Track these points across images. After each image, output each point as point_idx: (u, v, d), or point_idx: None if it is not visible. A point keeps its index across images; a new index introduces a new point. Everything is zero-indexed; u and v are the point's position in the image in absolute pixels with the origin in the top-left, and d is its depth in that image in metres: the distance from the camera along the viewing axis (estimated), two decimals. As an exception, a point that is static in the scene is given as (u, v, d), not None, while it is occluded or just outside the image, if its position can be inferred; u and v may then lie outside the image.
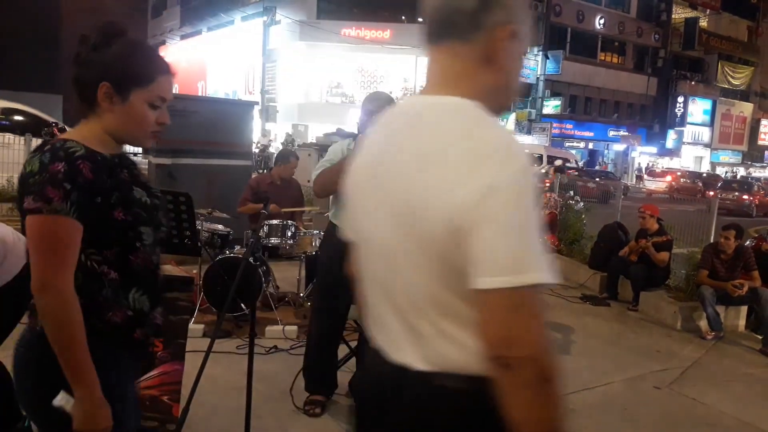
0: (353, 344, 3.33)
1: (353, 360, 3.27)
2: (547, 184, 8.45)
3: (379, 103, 2.89)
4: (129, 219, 1.29)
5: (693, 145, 35.64)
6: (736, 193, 19.57)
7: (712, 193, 18.41)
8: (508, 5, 0.97)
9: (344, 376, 3.19)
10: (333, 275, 2.97)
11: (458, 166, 0.88)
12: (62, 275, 1.20)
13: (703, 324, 5.00)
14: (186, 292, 2.29)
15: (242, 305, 4.13)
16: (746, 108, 38.08)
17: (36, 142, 8.75)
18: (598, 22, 30.51)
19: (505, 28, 0.96)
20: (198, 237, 2.41)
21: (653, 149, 33.52)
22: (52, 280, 1.20)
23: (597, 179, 18.21)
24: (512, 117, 27.82)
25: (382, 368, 1.04)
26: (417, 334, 0.98)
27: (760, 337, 4.88)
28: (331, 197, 3.00)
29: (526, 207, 0.86)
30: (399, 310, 1.00)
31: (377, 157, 1.02)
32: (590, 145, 32.45)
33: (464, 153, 0.89)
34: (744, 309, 5.27)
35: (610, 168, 28.72)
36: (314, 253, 4.46)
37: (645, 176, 27.20)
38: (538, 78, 28.64)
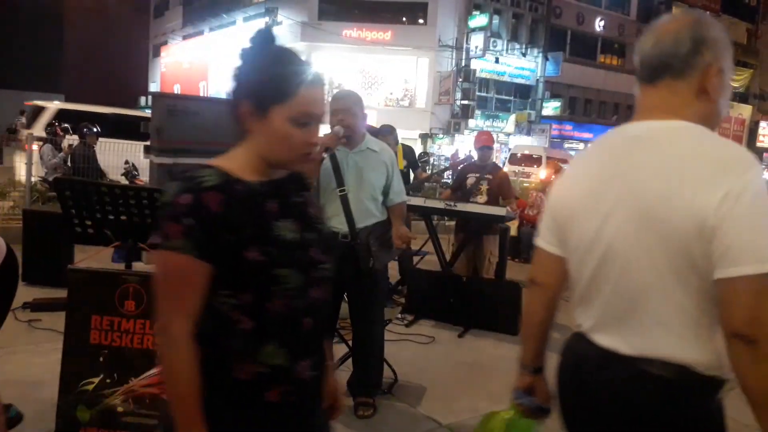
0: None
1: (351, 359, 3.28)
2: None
3: (345, 102, 2.88)
4: (263, 260, 1.10)
5: (693, 147, 35.65)
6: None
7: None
8: (715, 47, 1.16)
9: (343, 375, 3.21)
10: None
11: (705, 175, 1.05)
12: (176, 319, 1.08)
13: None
14: None
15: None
16: (745, 110, 38.11)
17: (36, 144, 8.77)
18: (598, 24, 30.54)
19: (713, 67, 1.16)
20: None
21: (653, 151, 33.54)
22: (164, 324, 1.09)
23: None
24: (511, 118, 27.83)
25: (587, 351, 1.21)
26: (632, 323, 1.13)
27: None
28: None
29: (765, 205, 1.03)
30: (617, 301, 1.16)
31: (606, 173, 1.20)
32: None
33: (709, 164, 1.06)
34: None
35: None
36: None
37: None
38: (537, 80, 28.66)
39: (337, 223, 2.88)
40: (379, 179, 2.95)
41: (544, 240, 1.35)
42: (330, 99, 2.94)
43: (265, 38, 1.17)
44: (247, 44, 1.17)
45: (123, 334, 2.27)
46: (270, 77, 1.13)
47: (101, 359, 2.26)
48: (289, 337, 1.15)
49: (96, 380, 2.26)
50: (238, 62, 1.17)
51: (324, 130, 2.96)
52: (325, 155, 2.74)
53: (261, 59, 1.15)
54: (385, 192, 3.00)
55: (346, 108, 2.85)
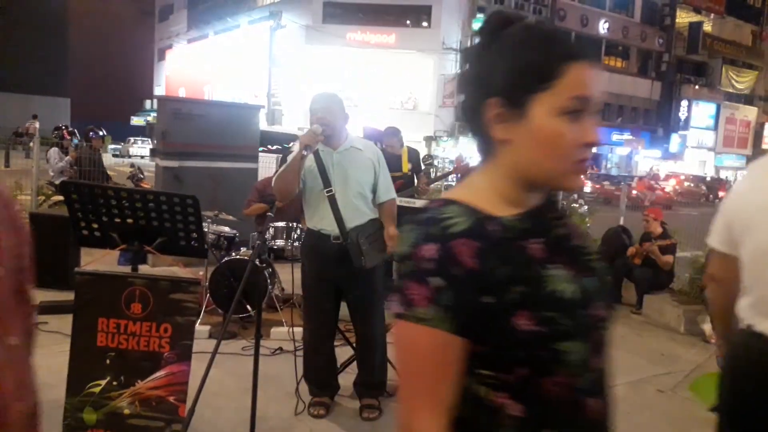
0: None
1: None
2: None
3: (323, 101, 2.87)
4: (539, 330, 0.80)
5: (697, 149, 35.53)
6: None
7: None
8: None
9: (348, 377, 3.21)
10: (316, 278, 2.99)
11: None
12: (424, 414, 0.80)
13: (707, 327, 4.99)
14: (192, 293, 2.32)
15: (248, 307, 4.15)
16: (750, 112, 37.94)
17: (37, 145, 8.82)
18: (602, 27, 30.50)
19: None
20: (204, 239, 2.44)
21: (657, 153, 33.44)
22: (407, 418, 0.82)
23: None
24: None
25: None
26: None
27: (765, 342, 4.88)
28: (303, 203, 3.00)
29: None
30: None
31: None
32: (594, 149, 32.36)
33: None
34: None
35: (613, 172, 28.67)
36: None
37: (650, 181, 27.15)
38: (542, 82, 28.64)
39: (327, 225, 2.88)
40: (366, 177, 2.94)
41: (717, 241, 1.49)
42: (310, 102, 2.92)
43: (500, 20, 0.88)
44: (475, 37, 0.91)
45: (129, 337, 2.27)
46: (523, 60, 0.83)
47: (108, 362, 2.27)
48: (569, 426, 0.85)
49: (102, 383, 2.27)
50: (465, 63, 0.91)
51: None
52: (305, 153, 2.72)
53: (505, 43, 0.86)
54: (373, 190, 2.99)
55: (325, 106, 2.85)
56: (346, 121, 2.98)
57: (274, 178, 2.92)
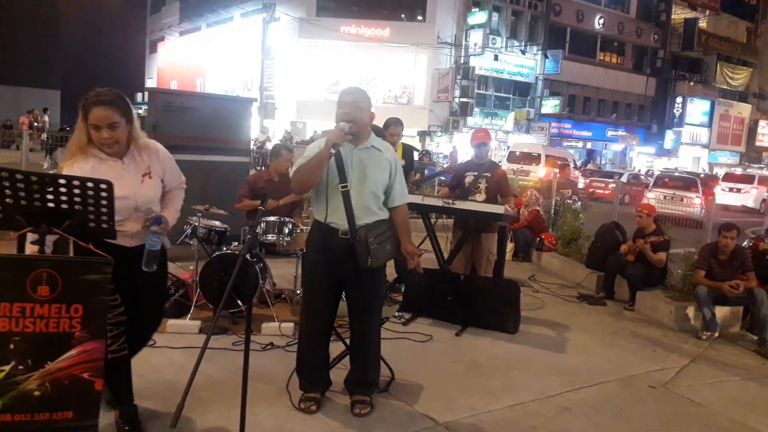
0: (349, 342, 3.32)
1: (348, 357, 3.26)
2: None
3: (352, 95, 2.85)
4: None
5: (691, 145, 35.70)
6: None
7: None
8: None
9: (340, 373, 3.19)
10: (320, 273, 2.97)
11: None
12: None
13: (699, 324, 5.01)
14: (106, 273, 2.26)
15: (239, 302, 4.12)
16: (744, 109, 38.14)
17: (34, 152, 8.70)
18: (598, 22, 30.51)
19: None
20: (114, 220, 2.37)
21: (651, 149, 33.58)
22: None
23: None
24: (510, 116, 27.81)
25: None
26: None
27: (755, 338, 4.89)
28: (312, 195, 2.99)
29: None
30: None
31: None
32: (588, 145, 32.47)
33: None
34: (740, 309, 5.28)
35: (608, 168, 28.75)
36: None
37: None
38: (536, 77, 28.63)
39: (337, 219, 2.86)
40: (383, 177, 2.93)
41: None
42: (339, 95, 2.90)
43: None
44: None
45: (37, 320, 2.17)
46: None
47: (12, 346, 2.18)
48: None
49: (7, 368, 2.17)
50: None
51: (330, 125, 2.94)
52: (333, 151, 2.72)
53: None
54: (387, 192, 2.98)
55: (353, 101, 2.83)
56: (371, 120, 2.97)
57: (292, 170, 2.90)
